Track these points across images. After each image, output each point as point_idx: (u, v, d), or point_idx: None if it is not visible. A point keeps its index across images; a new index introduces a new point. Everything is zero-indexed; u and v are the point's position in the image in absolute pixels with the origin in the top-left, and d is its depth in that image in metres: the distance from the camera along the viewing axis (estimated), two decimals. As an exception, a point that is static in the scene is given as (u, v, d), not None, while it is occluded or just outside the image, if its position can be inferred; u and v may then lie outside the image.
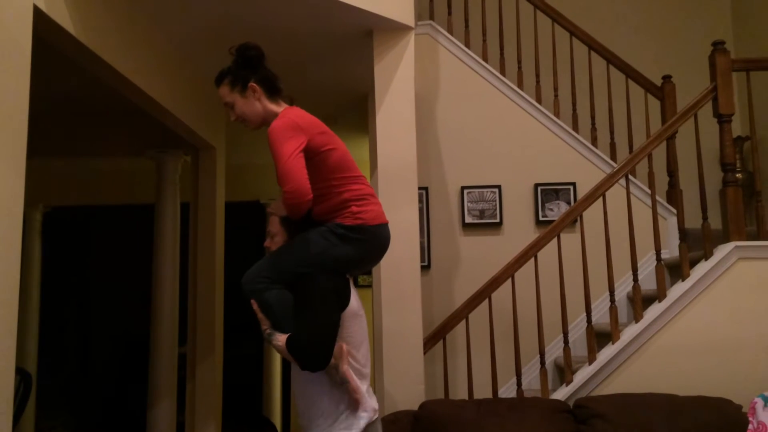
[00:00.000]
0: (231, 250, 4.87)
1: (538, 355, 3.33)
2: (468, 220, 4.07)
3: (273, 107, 2.11)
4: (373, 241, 2.06)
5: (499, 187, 4.10)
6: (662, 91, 4.33)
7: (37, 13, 2.25)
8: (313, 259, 1.97)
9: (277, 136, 1.93)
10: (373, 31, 3.34)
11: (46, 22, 2.35)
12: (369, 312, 3.87)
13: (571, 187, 4.09)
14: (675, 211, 3.96)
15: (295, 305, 1.94)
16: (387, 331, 3.15)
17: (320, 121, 2.06)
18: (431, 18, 4.31)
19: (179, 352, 4.83)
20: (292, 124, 1.95)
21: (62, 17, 2.40)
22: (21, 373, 4.08)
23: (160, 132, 4.30)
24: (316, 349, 1.86)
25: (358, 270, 2.17)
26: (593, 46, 4.29)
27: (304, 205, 1.91)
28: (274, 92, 2.12)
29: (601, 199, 3.33)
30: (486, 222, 4.08)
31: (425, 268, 4.02)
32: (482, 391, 3.61)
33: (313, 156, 1.99)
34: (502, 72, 4.25)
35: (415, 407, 3.02)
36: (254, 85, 2.07)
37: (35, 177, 6.05)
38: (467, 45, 4.26)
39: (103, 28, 2.74)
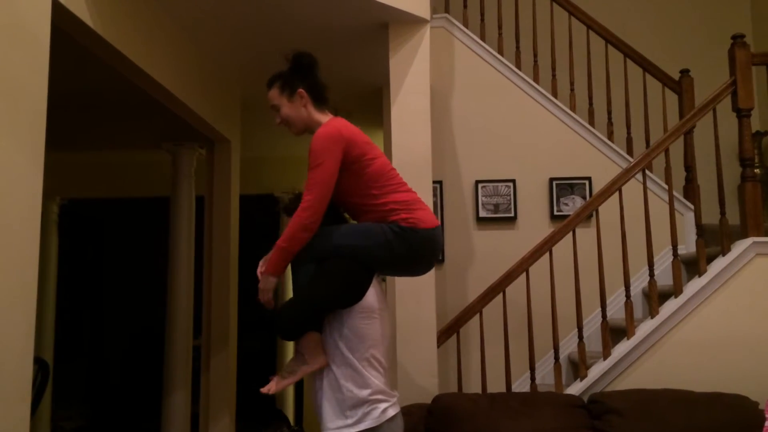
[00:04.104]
0: (245, 243, 4.90)
1: (552, 350, 3.32)
2: (482, 214, 4.06)
3: (317, 116, 2.17)
4: (423, 244, 2.08)
5: (513, 181, 4.08)
6: (680, 85, 4.28)
7: (56, 5, 2.26)
8: (359, 250, 2.03)
9: (321, 144, 2.00)
10: (389, 24, 3.33)
11: (65, 14, 2.37)
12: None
13: (587, 182, 4.06)
14: (692, 206, 3.92)
15: (311, 276, 2.01)
16: (401, 324, 3.16)
17: (363, 132, 2.12)
18: (447, 11, 4.29)
19: (194, 344, 4.86)
20: (336, 134, 2.01)
21: (80, 9, 2.42)
22: (39, 362, 4.13)
23: (176, 125, 4.32)
24: (295, 322, 1.94)
25: (408, 272, 2.20)
26: (610, 39, 4.25)
27: (313, 224, 1.97)
28: (320, 101, 2.20)
29: (617, 193, 3.31)
30: (500, 216, 4.06)
31: (439, 262, 4.01)
32: (495, 386, 3.60)
33: (353, 163, 2.04)
34: (518, 66, 4.22)
35: (429, 400, 3.02)
36: (302, 91, 2.15)
37: (52, 169, 6.07)
38: (483, 38, 4.23)
39: (121, 20, 2.76)
